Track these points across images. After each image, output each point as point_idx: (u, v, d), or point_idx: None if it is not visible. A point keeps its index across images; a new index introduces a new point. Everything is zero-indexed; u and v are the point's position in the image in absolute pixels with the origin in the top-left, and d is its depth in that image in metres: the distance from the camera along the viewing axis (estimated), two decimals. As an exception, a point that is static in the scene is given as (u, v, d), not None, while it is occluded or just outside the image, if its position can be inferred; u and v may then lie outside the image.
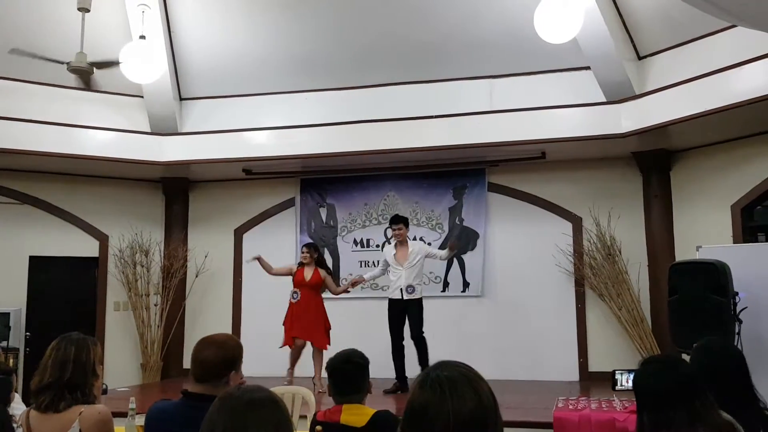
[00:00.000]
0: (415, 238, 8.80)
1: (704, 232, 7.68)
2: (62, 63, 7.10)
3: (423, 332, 7.34)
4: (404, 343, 7.44)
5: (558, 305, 8.62)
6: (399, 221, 7.70)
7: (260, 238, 9.67)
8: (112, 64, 7.25)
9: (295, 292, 7.74)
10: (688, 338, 5.77)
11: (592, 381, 8.12)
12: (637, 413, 2.30)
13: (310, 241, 9.41)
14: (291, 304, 7.75)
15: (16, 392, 4.07)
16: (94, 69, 7.13)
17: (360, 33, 8.36)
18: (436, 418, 1.44)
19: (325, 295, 7.92)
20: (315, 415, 3.24)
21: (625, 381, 5.39)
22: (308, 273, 7.77)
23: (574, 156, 8.50)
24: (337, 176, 9.36)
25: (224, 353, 2.74)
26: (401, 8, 8.08)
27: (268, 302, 9.37)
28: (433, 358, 1.63)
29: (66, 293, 9.26)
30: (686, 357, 3.20)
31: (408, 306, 7.40)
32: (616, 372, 5.40)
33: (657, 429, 2.20)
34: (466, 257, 8.94)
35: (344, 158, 8.67)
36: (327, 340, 7.61)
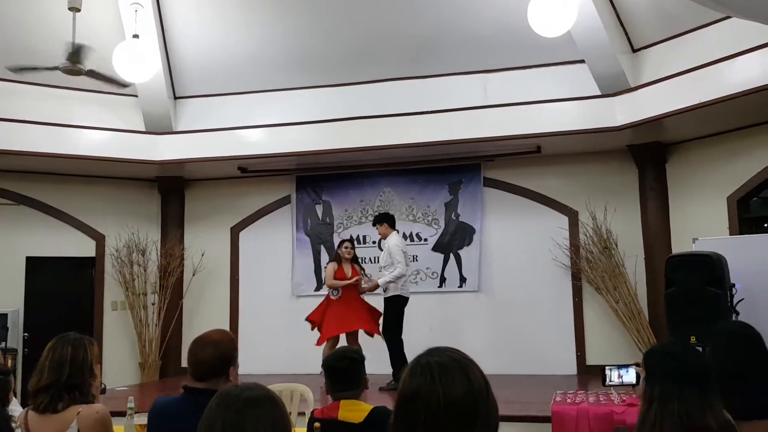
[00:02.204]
0: (410, 235, 8.86)
1: (700, 224, 7.70)
2: (55, 69, 7.05)
3: (391, 331, 7.26)
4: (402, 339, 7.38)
5: (555, 299, 8.63)
6: (374, 222, 7.80)
7: (256, 235, 9.68)
8: (110, 79, 7.20)
9: (335, 290, 7.52)
10: (685, 331, 5.79)
11: (590, 374, 8.12)
12: (647, 385, 2.31)
13: (307, 237, 9.43)
14: (330, 300, 7.52)
15: (14, 394, 4.06)
16: (85, 69, 7.07)
17: (353, 29, 8.35)
18: (427, 404, 1.45)
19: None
20: (312, 412, 3.24)
21: (615, 377, 5.44)
22: (348, 270, 7.63)
23: (570, 150, 8.50)
24: (332, 173, 9.35)
25: (221, 352, 2.76)
26: (394, 4, 8.07)
27: (265, 300, 9.42)
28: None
29: (63, 293, 9.25)
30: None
31: (384, 304, 7.42)
32: (607, 367, 5.47)
33: (666, 401, 2.20)
34: (463, 252, 8.95)
35: (339, 155, 8.66)
36: (377, 327, 7.47)
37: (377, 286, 7.49)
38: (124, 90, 8.51)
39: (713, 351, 2.75)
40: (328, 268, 7.66)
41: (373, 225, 7.89)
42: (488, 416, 1.48)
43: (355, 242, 9.15)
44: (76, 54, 7.00)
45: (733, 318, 5.93)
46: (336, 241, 9.20)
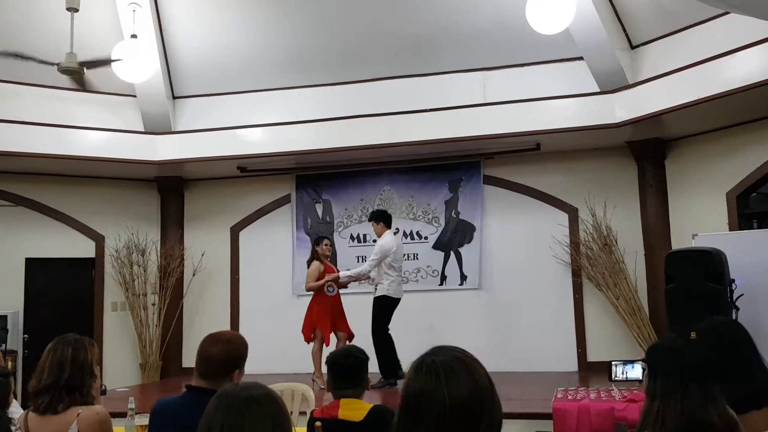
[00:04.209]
0: (410, 233, 8.87)
1: (700, 220, 7.69)
2: (52, 64, 7.05)
3: (376, 330, 7.21)
4: (389, 335, 7.31)
5: (555, 296, 8.63)
6: (369, 218, 7.79)
7: (257, 235, 9.67)
8: (103, 62, 7.19)
9: (330, 286, 7.48)
10: (685, 327, 5.77)
11: (591, 371, 8.13)
12: (649, 380, 2.30)
13: (308, 236, 9.43)
14: (327, 297, 7.45)
15: (14, 396, 4.06)
16: (85, 69, 7.06)
17: (352, 27, 8.35)
18: (432, 404, 1.44)
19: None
20: (312, 412, 3.23)
21: (621, 372, 5.47)
22: (330, 267, 7.67)
23: (569, 147, 8.50)
24: (332, 172, 9.34)
25: (231, 351, 2.76)
26: (392, 2, 8.06)
27: (265, 299, 9.41)
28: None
29: (63, 294, 9.24)
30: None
31: (373, 303, 7.40)
32: (613, 363, 5.51)
33: (668, 396, 2.20)
34: (463, 250, 8.94)
35: (339, 154, 8.65)
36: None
37: (338, 279, 7.50)
38: (122, 90, 8.51)
39: (701, 347, 2.76)
40: (313, 269, 7.50)
41: (369, 221, 7.87)
42: (493, 416, 1.48)
43: (355, 240, 9.19)
44: (94, 63, 7.02)
45: (733, 314, 5.93)
46: (337, 240, 9.19)
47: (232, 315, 9.52)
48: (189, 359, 9.34)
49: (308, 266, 7.66)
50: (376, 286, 7.37)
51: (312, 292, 7.59)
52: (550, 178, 8.81)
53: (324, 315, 7.43)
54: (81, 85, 7.43)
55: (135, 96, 8.80)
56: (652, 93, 7.36)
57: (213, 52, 8.76)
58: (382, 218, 7.63)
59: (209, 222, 9.78)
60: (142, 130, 8.91)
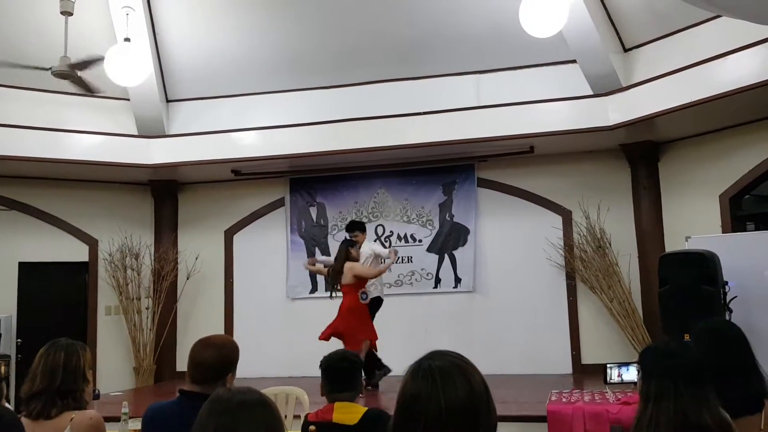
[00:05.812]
0: (404, 236, 8.88)
1: (693, 222, 7.72)
2: (45, 69, 7.04)
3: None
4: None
5: (550, 299, 8.64)
6: (354, 228, 7.75)
7: (251, 238, 9.66)
8: (92, 62, 7.19)
9: (364, 293, 7.24)
10: (678, 329, 5.80)
11: (586, 373, 8.15)
12: (643, 383, 2.31)
13: (302, 240, 9.41)
14: (363, 305, 7.20)
15: (7, 401, 4.05)
16: (77, 72, 7.06)
17: (345, 31, 8.35)
18: (428, 408, 1.45)
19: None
20: (306, 416, 3.23)
21: (616, 375, 5.49)
22: None
23: (563, 149, 8.52)
24: (326, 175, 9.34)
25: (223, 356, 2.74)
26: (386, 6, 8.07)
27: (260, 303, 9.40)
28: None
29: (57, 299, 9.21)
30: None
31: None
32: (608, 366, 5.54)
33: (662, 398, 2.20)
34: (458, 253, 8.95)
35: (333, 157, 8.66)
36: None
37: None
38: (115, 93, 8.49)
39: (696, 348, 2.76)
40: (359, 267, 7.24)
41: (351, 230, 7.72)
42: (488, 420, 1.49)
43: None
44: (84, 64, 7.02)
45: (727, 316, 5.95)
46: (331, 243, 9.17)
47: (226, 319, 9.51)
48: (183, 363, 9.24)
49: (341, 266, 7.28)
50: (364, 293, 7.27)
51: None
52: (544, 181, 8.83)
53: (366, 320, 7.22)
54: (85, 88, 7.34)
55: (128, 99, 8.79)
56: (645, 96, 7.38)
57: (206, 56, 8.75)
58: (364, 228, 7.84)
59: (203, 225, 9.76)
60: (136, 133, 8.90)
